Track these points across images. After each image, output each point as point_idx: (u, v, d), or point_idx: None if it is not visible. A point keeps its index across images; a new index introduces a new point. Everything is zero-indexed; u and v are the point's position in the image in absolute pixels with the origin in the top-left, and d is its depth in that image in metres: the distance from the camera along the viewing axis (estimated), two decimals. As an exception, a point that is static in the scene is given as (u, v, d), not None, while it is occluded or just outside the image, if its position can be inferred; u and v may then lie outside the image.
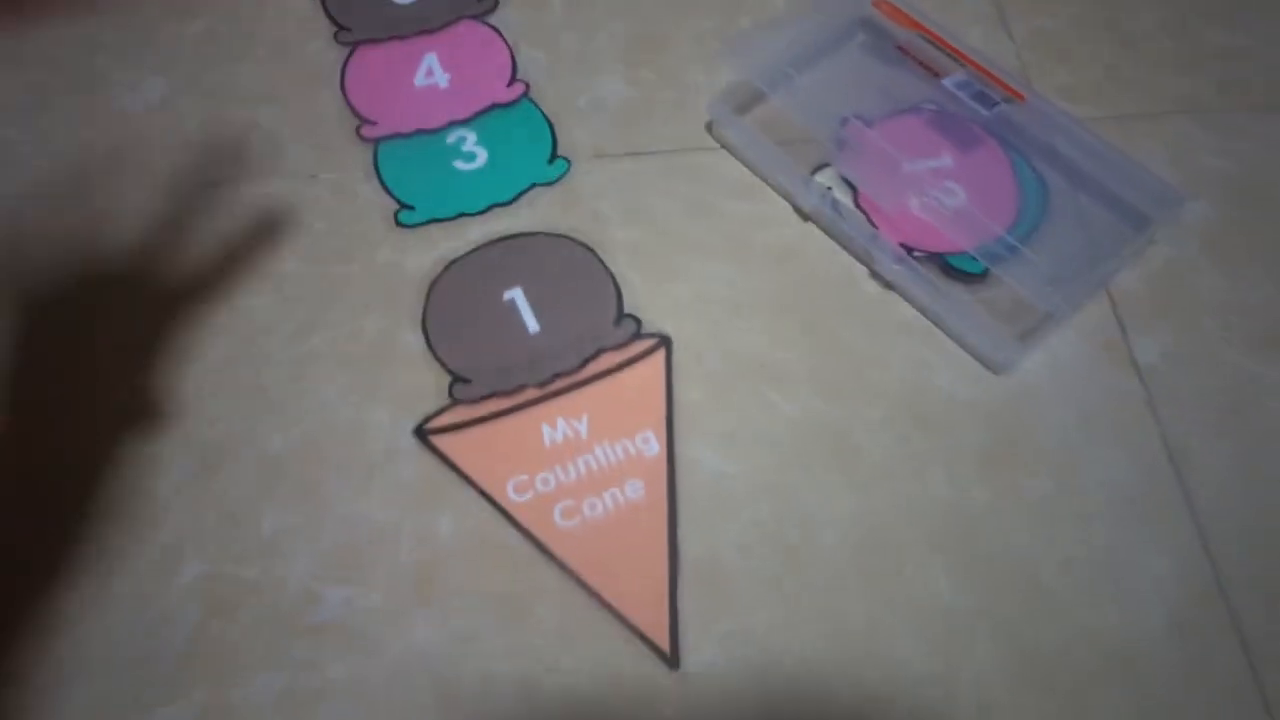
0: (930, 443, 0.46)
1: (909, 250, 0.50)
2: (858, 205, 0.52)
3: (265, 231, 0.52)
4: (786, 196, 0.52)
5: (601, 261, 0.51)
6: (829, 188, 0.51)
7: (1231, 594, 0.42)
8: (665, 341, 0.48)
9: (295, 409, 0.47)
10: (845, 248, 0.51)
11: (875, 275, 0.50)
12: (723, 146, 0.54)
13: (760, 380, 0.47)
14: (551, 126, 0.55)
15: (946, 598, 0.42)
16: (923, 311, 0.49)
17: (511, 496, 0.45)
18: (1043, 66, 0.57)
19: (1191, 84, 0.56)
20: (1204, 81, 0.56)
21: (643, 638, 0.42)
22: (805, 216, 0.52)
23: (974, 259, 0.49)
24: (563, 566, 0.43)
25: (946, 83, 0.52)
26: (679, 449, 0.46)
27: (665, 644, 0.41)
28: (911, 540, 0.44)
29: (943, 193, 0.51)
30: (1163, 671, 0.41)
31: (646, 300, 0.50)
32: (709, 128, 0.55)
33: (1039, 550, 0.43)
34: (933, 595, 0.42)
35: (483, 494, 0.45)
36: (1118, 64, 0.57)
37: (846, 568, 0.43)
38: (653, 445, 0.46)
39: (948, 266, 0.50)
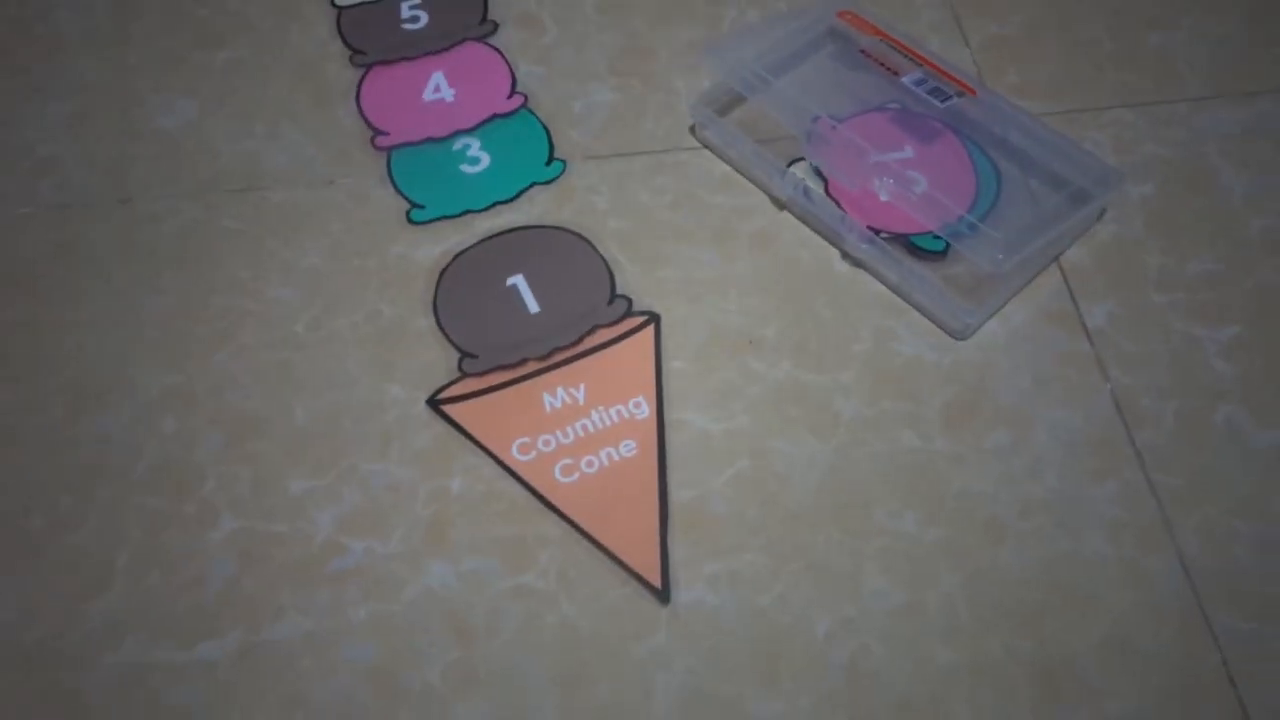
0: (897, 402, 0.50)
1: (876, 232, 0.54)
2: (829, 194, 0.57)
3: (290, 231, 0.57)
4: (764, 188, 0.57)
5: (595, 249, 0.56)
6: (802, 179, 0.56)
7: (1175, 528, 0.46)
8: (654, 318, 0.53)
9: (319, 385, 0.51)
10: (818, 232, 0.56)
11: (846, 255, 0.55)
12: (705, 146, 0.59)
13: (741, 351, 0.52)
14: (548, 132, 0.60)
15: (913, 536, 0.47)
16: (889, 287, 0.54)
17: (516, 456, 0.49)
18: (996, 68, 0.62)
19: (1131, 80, 0.61)
20: (1142, 77, 0.61)
21: (636, 577, 0.46)
22: (781, 205, 0.57)
23: (936, 238, 0.54)
24: (563, 516, 0.47)
25: (905, 80, 0.57)
26: (668, 412, 0.50)
27: (657, 582, 0.45)
28: (881, 487, 0.48)
29: (906, 180, 0.56)
30: (1112, 595, 0.45)
31: (637, 282, 0.54)
32: (692, 129, 0.60)
33: (998, 492, 0.47)
34: (901, 534, 0.47)
35: (490, 455, 0.49)
36: (1064, 64, 0.62)
37: (822, 513, 0.47)
38: (644, 409, 0.50)
39: (912, 246, 0.54)
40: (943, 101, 0.56)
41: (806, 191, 0.55)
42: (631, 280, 0.55)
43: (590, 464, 0.49)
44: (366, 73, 0.63)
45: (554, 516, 0.48)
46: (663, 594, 0.45)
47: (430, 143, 0.60)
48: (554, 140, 0.60)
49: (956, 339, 0.52)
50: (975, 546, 0.46)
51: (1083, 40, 0.63)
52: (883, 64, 0.58)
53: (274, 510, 0.48)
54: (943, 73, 0.57)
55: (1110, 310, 0.53)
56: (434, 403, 0.51)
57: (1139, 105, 0.60)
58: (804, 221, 0.56)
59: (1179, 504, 0.47)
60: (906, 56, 0.58)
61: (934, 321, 0.53)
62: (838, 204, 0.56)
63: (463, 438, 0.50)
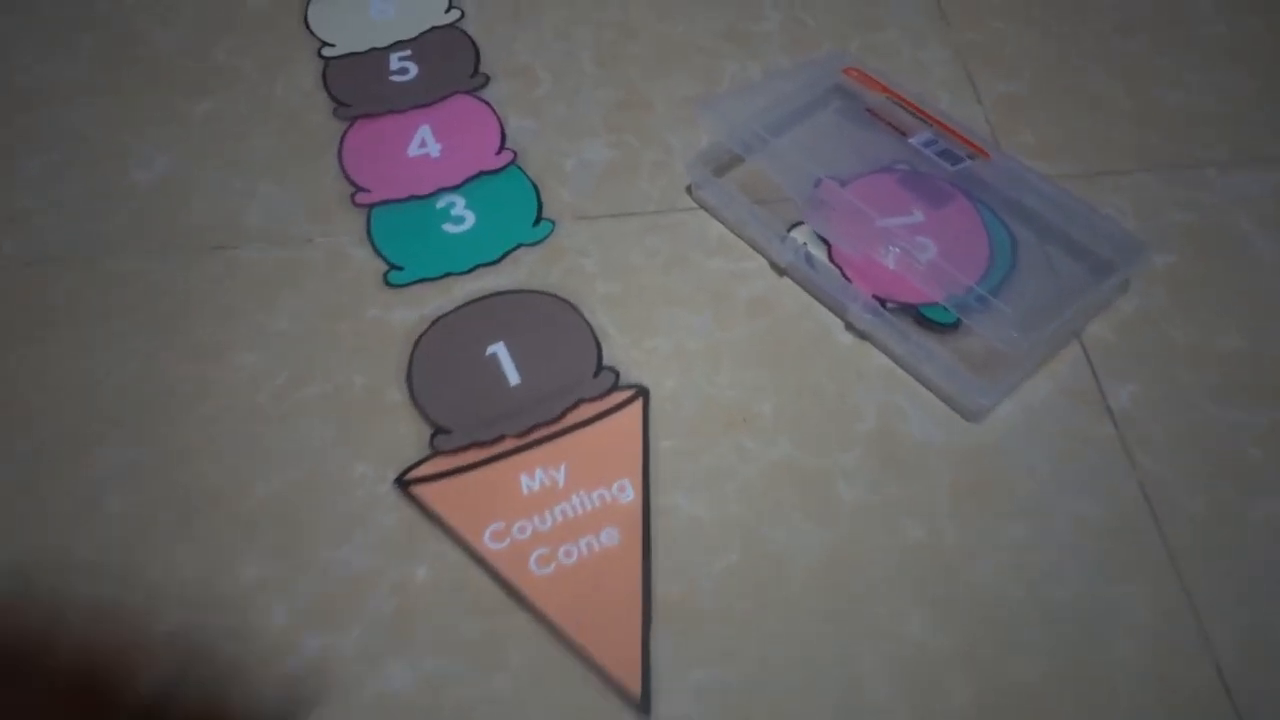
0: (903, 488, 0.46)
1: (882, 302, 0.51)
2: (832, 260, 0.53)
3: (262, 292, 0.54)
4: (763, 253, 0.54)
5: (582, 316, 0.52)
6: (804, 243, 0.53)
7: (1212, 638, 0.42)
8: (643, 392, 0.50)
9: (281, 461, 0.48)
10: (820, 300, 0.52)
11: (850, 327, 0.51)
12: (702, 207, 0.56)
13: (735, 428, 0.48)
14: (537, 190, 0.57)
15: (920, 639, 0.42)
16: (896, 361, 0.50)
17: (488, 544, 0.45)
18: (1010, 127, 0.59)
19: (1152, 141, 0.58)
20: (1163, 138, 0.58)
21: (615, 684, 0.42)
22: (781, 272, 0.53)
23: (946, 309, 0.50)
24: (537, 612, 0.43)
25: (914, 141, 0.54)
26: (654, 496, 0.46)
27: (637, 691, 0.41)
28: (885, 583, 0.44)
29: (914, 247, 0.52)
30: (1142, 713, 0.40)
31: (625, 353, 0.51)
32: (689, 190, 0.57)
33: (1013, 592, 0.43)
34: (907, 640, 0.42)
35: (460, 542, 0.45)
36: (1080, 124, 0.59)
37: (820, 611, 0.43)
38: (629, 493, 0.46)
39: (920, 317, 0.51)
40: (954, 164, 0.53)
41: (808, 257, 0.52)
42: (619, 350, 0.51)
43: (569, 554, 0.45)
44: (350, 126, 0.61)
45: (527, 612, 0.44)
46: (643, 704, 0.41)
47: (413, 200, 0.57)
48: (543, 199, 0.57)
49: (969, 420, 0.48)
50: (989, 654, 0.42)
51: (1099, 98, 0.60)
52: (890, 123, 0.55)
53: (224, 601, 0.44)
54: (954, 133, 0.54)
55: (1135, 390, 0.49)
56: (402, 482, 0.47)
57: (1160, 168, 0.57)
58: (805, 289, 0.53)
59: (1215, 610, 0.43)
60: (915, 115, 0.55)
61: (945, 400, 0.49)
62: (841, 271, 0.52)
63: (431, 522, 0.46)
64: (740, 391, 0.50)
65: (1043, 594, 0.43)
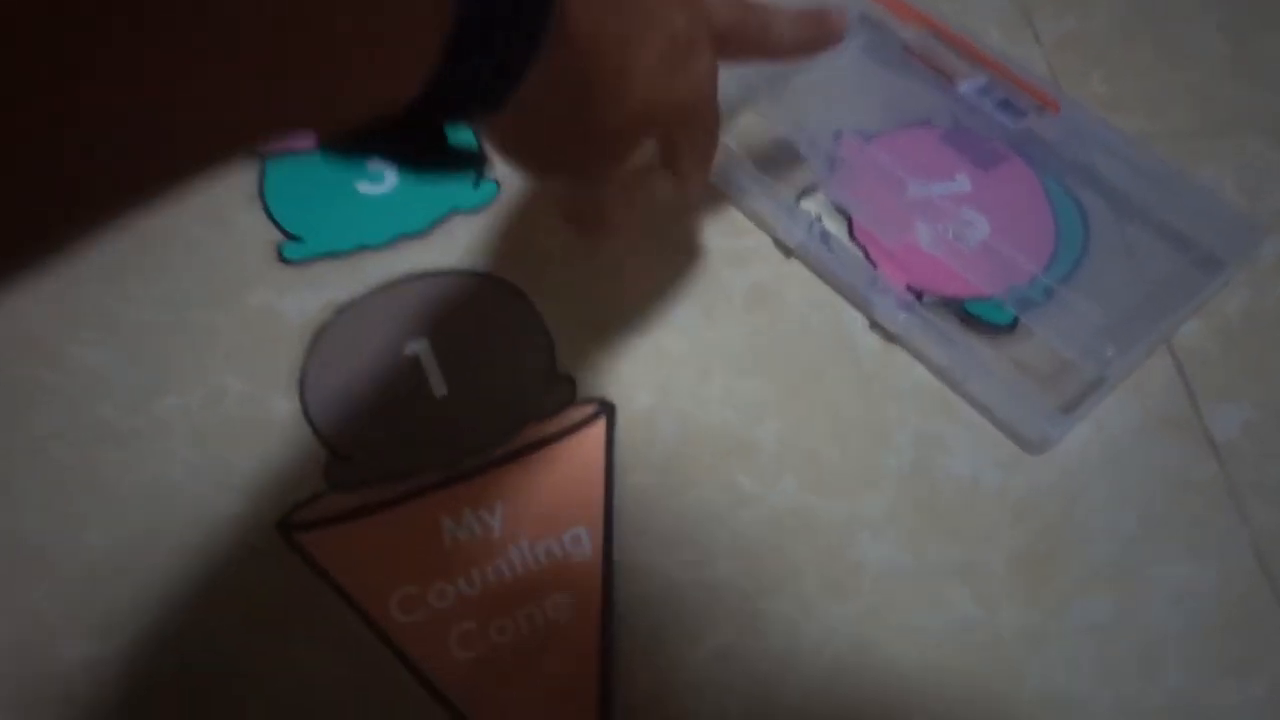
0: (948, 548, 0.35)
1: (918, 295, 0.39)
2: (853, 238, 0.42)
3: (115, 270, 0.42)
4: (767, 229, 0.42)
5: (533, 307, 0.41)
6: (818, 217, 0.41)
7: (1359, 762, 0.31)
8: (607, 410, 0.38)
9: (128, 497, 0.36)
10: (839, 291, 0.41)
11: (876, 326, 0.40)
12: (686, 168, 0.44)
13: (728, 461, 0.37)
14: (479, 140, 0.45)
15: (973, 764, 0.32)
16: (936, 373, 0.39)
17: (396, 616, 0.34)
18: (1076, 74, 0.47)
19: (1259, 96, 0.46)
20: (1274, 94, 0.46)
21: (559, 820, 0.31)
22: (789, 252, 0.42)
23: (1000, 306, 0.39)
24: (456, 711, 0.32)
25: (963, 89, 0.42)
26: (619, 552, 0.35)
27: (590, 829, 0.30)
28: (923, 682, 0.33)
29: (959, 223, 0.41)
30: None
31: (586, 357, 0.39)
32: (670, 146, 0.45)
33: (1094, 695, 0.32)
34: (954, 760, 0.32)
35: (358, 611, 0.34)
36: (1165, 73, 0.47)
37: (838, 715, 0.32)
38: (585, 546, 0.35)
39: (967, 315, 0.40)
40: (1017, 120, 0.41)
41: (824, 235, 0.40)
42: (578, 353, 0.39)
43: (502, 630, 0.34)
44: (246, 55, 0.48)
45: (444, 710, 0.32)
46: None
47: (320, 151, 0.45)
48: (486, 152, 0.45)
49: (1030, 453, 0.37)
50: (1064, 782, 0.31)
51: (1189, 40, 0.48)
52: (933, 65, 0.43)
53: (40, 695, 0.33)
54: (1013, 78, 0.42)
55: (1245, 415, 0.38)
56: (285, 527, 0.35)
57: (1271, 131, 0.45)
58: (820, 276, 0.41)
59: (1363, 722, 0.32)
60: (964, 56, 0.43)
61: (998, 426, 0.38)
62: (865, 253, 0.41)
63: (322, 582, 0.35)
64: (735, 411, 0.38)
65: (1131, 698, 0.32)
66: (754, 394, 0.38)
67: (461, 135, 0.44)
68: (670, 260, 0.42)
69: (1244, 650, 0.33)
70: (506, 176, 0.44)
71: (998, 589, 0.34)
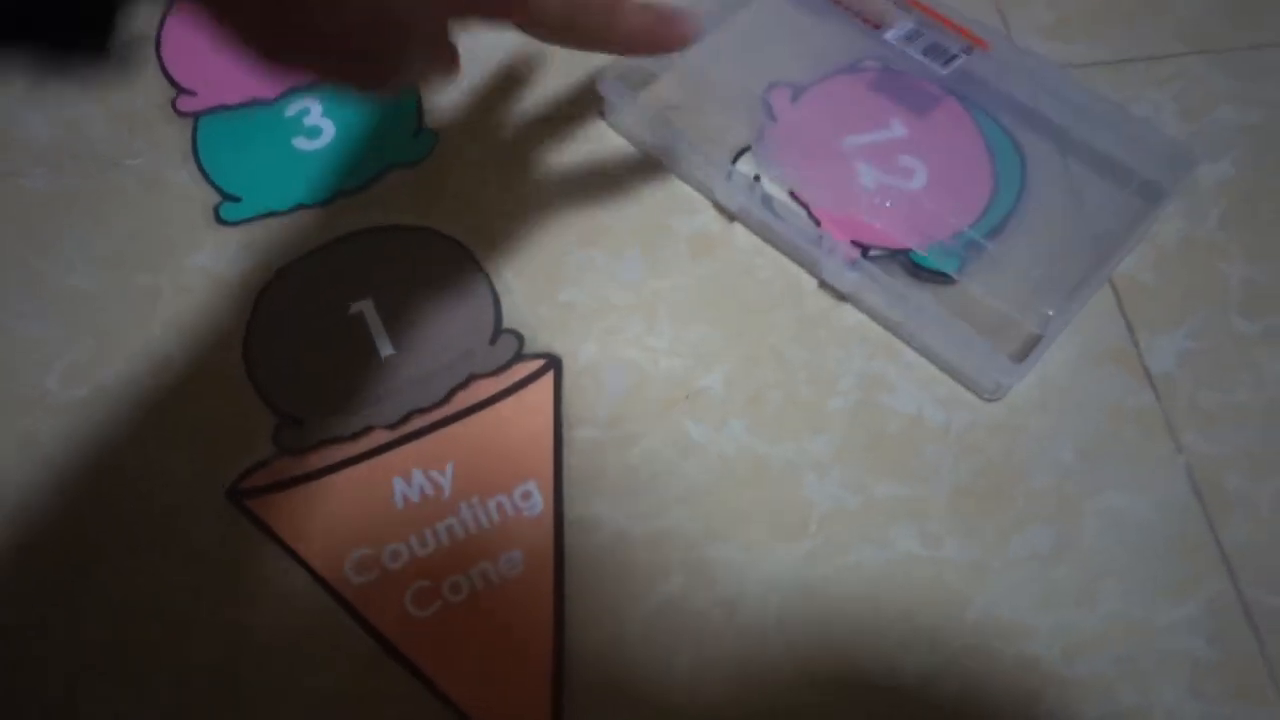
0: (892, 486, 0.36)
1: (864, 250, 0.39)
2: (794, 196, 0.41)
3: (51, 234, 0.41)
4: (706, 194, 0.42)
5: (476, 260, 0.40)
6: (756, 177, 0.40)
7: (1283, 676, 0.33)
8: (554, 363, 0.38)
9: (76, 465, 0.36)
10: (784, 253, 0.41)
11: (824, 285, 0.40)
12: (623, 136, 0.43)
13: (675, 408, 0.37)
14: (416, 93, 0.44)
15: (918, 694, 0.33)
16: (886, 326, 0.39)
17: (350, 577, 0.34)
18: (1020, 4, 0.46)
19: (1201, 18, 0.46)
20: (1216, 14, 0.46)
21: (518, 767, 0.32)
22: (731, 217, 0.41)
23: (946, 252, 0.39)
24: (414, 668, 0.33)
25: (889, 36, 0.41)
26: (570, 505, 0.36)
27: (547, 775, 0.31)
28: (870, 617, 0.34)
29: (898, 171, 0.40)
30: (1199, 787, 0.31)
31: (532, 311, 0.39)
32: (602, 114, 0.44)
33: (1034, 621, 0.33)
34: (901, 693, 0.33)
35: (312, 573, 0.34)
36: (1112, -2, 0.47)
37: (785, 659, 0.33)
38: (536, 502, 0.35)
39: (914, 266, 0.39)
40: (945, 64, 0.40)
41: (765, 199, 0.40)
42: (524, 307, 0.39)
43: (456, 589, 0.34)
44: (170, 9, 0.46)
45: (401, 668, 0.33)
46: (555, 795, 0.31)
47: (254, 105, 0.44)
48: (423, 104, 0.44)
49: (981, 398, 0.38)
50: (1006, 708, 0.32)
51: (1135, -35, 0.48)
52: (858, 12, 0.42)
53: (-8, 663, 0.33)
54: (942, 19, 0.41)
55: (1181, 346, 0.39)
56: (235, 493, 0.35)
57: (1212, 52, 0.45)
58: (764, 239, 0.41)
59: (1287, 638, 0.33)
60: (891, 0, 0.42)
61: (948, 374, 0.38)
62: (809, 211, 0.41)
63: (274, 545, 0.35)
64: (682, 359, 0.38)
65: (1066, 621, 0.34)
66: (700, 342, 0.39)
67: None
68: (615, 210, 0.41)
69: (1178, 573, 0.34)
70: (445, 128, 0.43)
71: (941, 524, 0.35)
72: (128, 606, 0.34)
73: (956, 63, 0.40)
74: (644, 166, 0.43)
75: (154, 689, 0.33)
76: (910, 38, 0.41)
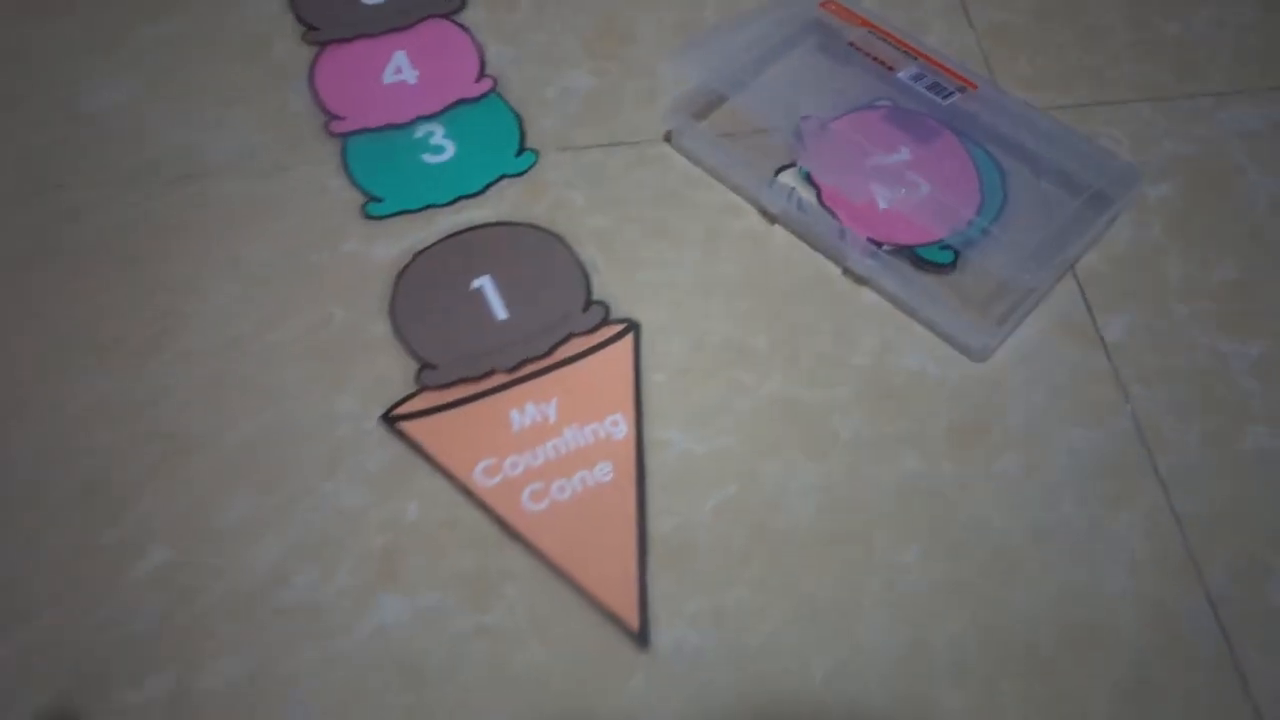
0: (899, 423, 0.46)
1: (878, 245, 0.50)
2: (823, 204, 0.52)
3: (235, 225, 0.52)
4: (752, 201, 0.53)
5: (570, 249, 0.51)
6: (793, 187, 0.51)
7: (1202, 563, 0.42)
8: (633, 326, 0.48)
9: (263, 397, 0.46)
10: (815, 247, 0.51)
11: (848, 272, 0.50)
12: (683, 155, 0.54)
13: (729, 363, 0.48)
14: (519, 119, 0.55)
15: (917, 570, 0.42)
16: (895, 303, 0.49)
17: (479, 480, 0.44)
18: (1004, 58, 0.58)
19: (1150, 72, 0.57)
20: (1161, 69, 0.57)
21: (612, 617, 0.41)
22: (773, 219, 0.52)
23: (942, 249, 0.50)
24: (531, 548, 0.43)
25: (901, 75, 0.52)
26: (647, 431, 0.46)
27: (635, 622, 0.41)
28: (881, 515, 0.44)
29: (906, 184, 0.51)
30: (1133, 635, 0.41)
31: (615, 286, 0.50)
32: (668, 137, 0.55)
33: (1007, 522, 0.43)
34: (904, 568, 0.42)
35: (450, 478, 0.44)
36: (1078, 54, 0.58)
37: (817, 544, 0.43)
38: (621, 428, 0.46)
39: (917, 258, 0.50)
40: (944, 98, 0.51)
41: (799, 203, 0.50)
42: (609, 284, 0.50)
43: (562, 489, 0.44)
44: (321, 51, 0.58)
45: (521, 547, 0.43)
46: (641, 636, 0.41)
47: (390, 129, 0.55)
48: (525, 128, 0.55)
49: (970, 358, 0.48)
50: (984, 582, 0.42)
51: (1097, 28, 0.59)
52: (874, 57, 0.54)
53: (210, 538, 0.43)
54: (940, 65, 0.53)
55: (1129, 322, 0.49)
56: (389, 419, 0.46)
57: (1158, 100, 0.56)
58: (799, 236, 0.52)
59: (1206, 536, 0.43)
60: (899, 49, 0.53)
61: (944, 339, 0.48)
62: (834, 215, 0.51)
63: (420, 458, 0.45)
64: (734, 326, 0.49)
65: (1035, 522, 0.43)
66: (748, 312, 0.49)
67: (504, 116, 0.55)
68: (679, 212, 0.52)
69: (1120, 489, 0.44)
70: (542, 148, 0.54)
71: (937, 451, 0.45)
72: (313, 508, 0.44)
73: (952, 98, 0.51)
74: (701, 180, 0.53)
75: (334, 568, 0.42)
76: (916, 78, 0.52)
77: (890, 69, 0.53)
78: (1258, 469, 0.45)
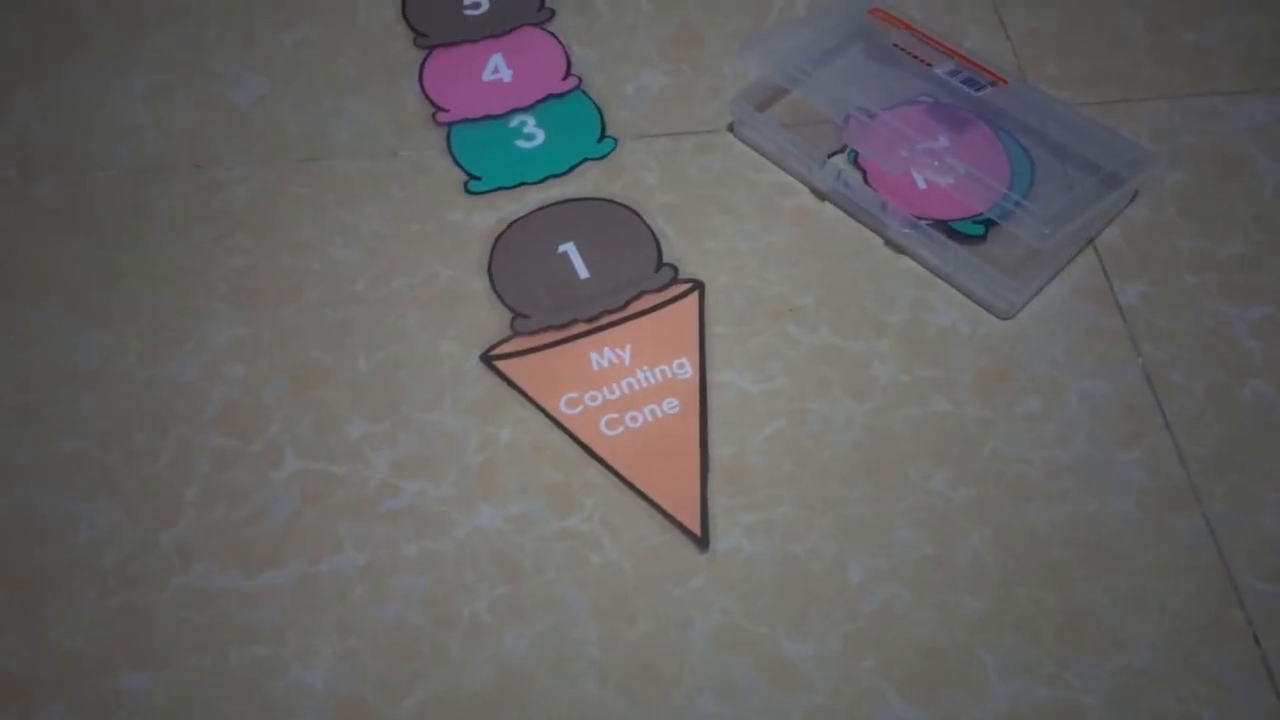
0: (931, 370, 0.52)
1: (916, 219, 0.56)
2: (868, 184, 0.59)
3: (353, 198, 0.60)
4: (805, 182, 0.59)
5: (643, 220, 0.58)
6: (842, 169, 0.58)
7: (1202, 493, 0.48)
8: (699, 285, 0.55)
9: (378, 339, 0.54)
10: (859, 220, 0.58)
11: (888, 242, 0.57)
12: (744, 143, 0.61)
13: (781, 317, 0.54)
14: (600, 111, 0.63)
15: (944, 494, 0.48)
16: (930, 268, 0.56)
17: (563, 410, 0.51)
18: (1036, 60, 0.64)
19: (1168, 73, 0.63)
20: (1178, 71, 0.63)
21: (677, 524, 0.48)
22: (823, 197, 0.59)
23: (975, 223, 0.56)
24: (607, 466, 0.50)
25: (938, 71, 0.59)
26: (710, 373, 0.52)
27: (697, 529, 0.48)
28: (913, 448, 0.50)
29: (942, 170, 0.57)
30: (1137, 553, 0.46)
31: (682, 252, 0.57)
32: (730, 127, 0.62)
33: (1027, 455, 0.49)
34: (932, 492, 0.48)
35: (538, 408, 0.52)
36: (1103, 58, 0.64)
37: (855, 470, 0.49)
38: (687, 370, 0.52)
39: (951, 231, 0.56)
40: (977, 90, 0.58)
41: (847, 182, 0.57)
42: (677, 250, 0.57)
43: (634, 419, 0.51)
44: (429, 54, 0.67)
45: (599, 466, 0.50)
46: (702, 540, 0.47)
47: (488, 119, 0.63)
48: (606, 119, 0.63)
49: (997, 317, 0.54)
50: (1003, 504, 0.48)
51: (1121, 36, 0.65)
52: (915, 56, 0.60)
53: (334, 452, 0.51)
54: (974, 64, 0.59)
55: (1143, 289, 0.54)
56: (487, 358, 0.53)
57: (1175, 97, 0.62)
58: (846, 210, 0.58)
59: (1206, 471, 0.48)
60: (938, 50, 0.60)
61: (977, 302, 0.54)
62: (877, 193, 0.58)
63: (513, 391, 0.52)
64: (786, 286, 0.55)
65: (1051, 456, 0.49)
66: (799, 276, 0.56)
67: (587, 109, 0.63)
68: (739, 190, 0.59)
69: (1129, 430, 0.50)
70: (621, 134, 0.62)
71: (964, 394, 0.51)
72: (421, 430, 0.51)
73: (984, 91, 0.58)
74: (759, 163, 0.60)
75: (438, 479, 0.50)
76: (952, 73, 0.59)
77: (929, 65, 0.60)
78: (1255, 416, 0.50)
